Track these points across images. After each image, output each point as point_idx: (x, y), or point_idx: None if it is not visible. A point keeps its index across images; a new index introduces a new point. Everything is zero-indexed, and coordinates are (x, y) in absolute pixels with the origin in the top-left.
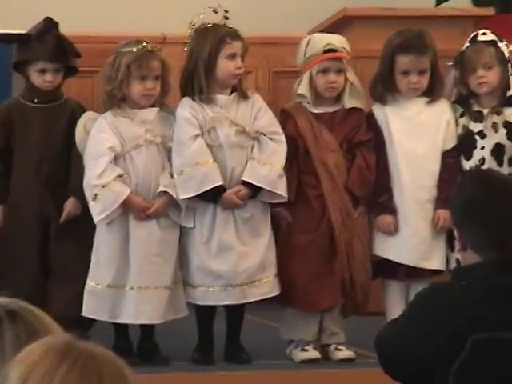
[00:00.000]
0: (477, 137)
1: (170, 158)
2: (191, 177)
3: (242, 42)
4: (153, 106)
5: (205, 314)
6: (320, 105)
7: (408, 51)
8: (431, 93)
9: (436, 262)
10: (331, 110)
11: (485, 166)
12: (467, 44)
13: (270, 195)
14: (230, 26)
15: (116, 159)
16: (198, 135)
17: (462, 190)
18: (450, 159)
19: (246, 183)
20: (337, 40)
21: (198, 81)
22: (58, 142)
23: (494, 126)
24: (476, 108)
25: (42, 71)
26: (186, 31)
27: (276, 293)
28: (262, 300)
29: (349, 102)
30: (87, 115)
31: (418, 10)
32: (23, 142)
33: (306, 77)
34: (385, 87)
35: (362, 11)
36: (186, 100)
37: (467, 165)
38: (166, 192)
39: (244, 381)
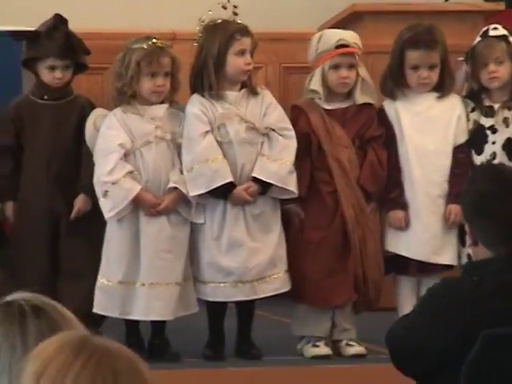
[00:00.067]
0: (488, 131)
1: (179, 155)
2: (201, 174)
3: (251, 38)
4: (162, 102)
5: (215, 311)
6: (332, 101)
7: (418, 46)
8: (442, 88)
9: (447, 257)
10: (343, 105)
11: (496, 161)
12: (478, 39)
13: (281, 191)
14: (240, 21)
15: (126, 156)
16: (207, 132)
17: (473, 185)
18: (462, 154)
19: (256, 179)
20: (349, 35)
21: (207, 77)
22: (67, 139)
23: (505, 121)
24: (487, 103)
25: (52, 68)
26: (196, 27)
27: (286, 289)
28: (273, 296)
29: (360, 98)
30: (97, 112)
31: (428, 5)
32: (33, 139)
33: (317, 72)
34: (395, 82)
35: (372, 6)
36: (196, 97)
37: (478, 160)
38: (176, 188)
39: (255, 377)
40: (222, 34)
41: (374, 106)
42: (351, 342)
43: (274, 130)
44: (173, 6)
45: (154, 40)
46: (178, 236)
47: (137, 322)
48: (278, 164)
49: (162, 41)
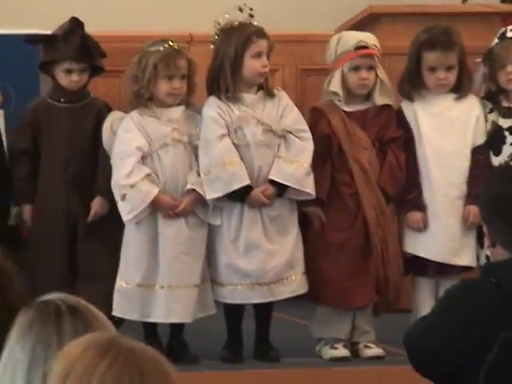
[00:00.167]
0: (506, 133)
1: (196, 157)
2: (218, 177)
3: (267, 41)
4: (179, 104)
5: (233, 312)
6: (351, 103)
7: (434, 47)
8: (459, 89)
9: (466, 258)
10: (363, 107)
11: None
12: (496, 40)
13: (298, 193)
14: (256, 24)
15: (143, 159)
16: (224, 135)
17: (490, 186)
18: (480, 155)
19: (272, 182)
20: (367, 37)
21: (224, 80)
22: (84, 142)
23: None
24: (505, 104)
25: (68, 71)
26: (213, 30)
27: (304, 290)
28: (291, 297)
29: (379, 100)
30: (113, 115)
31: (445, 7)
32: (50, 141)
33: (337, 74)
34: (412, 84)
35: (389, 8)
36: (213, 99)
37: (496, 161)
38: (193, 190)
39: (273, 379)
40: (238, 37)
41: (392, 107)
42: (369, 344)
43: (290, 132)
44: (189, 8)
45: (171, 42)
46: (195, 238)
47: (155, 324)
48: (295, 166)
49: (179, 43)
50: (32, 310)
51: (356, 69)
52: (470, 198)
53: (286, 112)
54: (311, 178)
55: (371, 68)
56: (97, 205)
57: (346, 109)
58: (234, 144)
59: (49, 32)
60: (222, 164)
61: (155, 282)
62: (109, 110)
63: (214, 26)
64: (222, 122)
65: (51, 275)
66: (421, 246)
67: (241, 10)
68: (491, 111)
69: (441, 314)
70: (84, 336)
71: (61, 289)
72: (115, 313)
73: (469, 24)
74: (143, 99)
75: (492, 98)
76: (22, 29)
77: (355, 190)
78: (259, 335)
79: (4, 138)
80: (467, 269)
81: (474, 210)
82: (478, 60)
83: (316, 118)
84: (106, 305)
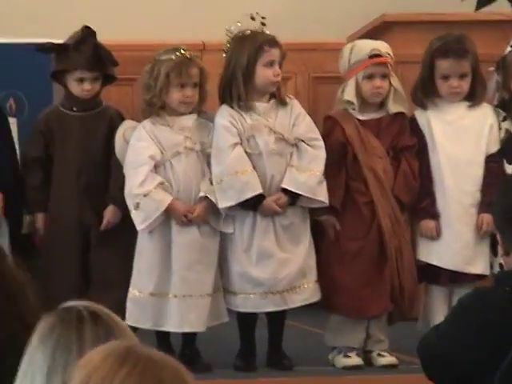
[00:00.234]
0: None
1: (209, 164)
2: (231, 186)
3: (279, 49)
4: (190, 112)
5: (246, 321)
6: (365, 111)
7: (447, 55)
8: (473, 97)
9: (480, 266)
10: (376, 116)
11: None
12: (509, 48)
13: (310, 201)
14: (268, 32)
15: (156, 167)
16: (236, 143)
17: (504, 195)
18: (494, 163)
19: (285, 190)
20: (381, 45)
21: (236, 88)
22: (97, 150)
23: None
24: None
25: (80, 80)
26: (225, 38)
27: (316, 299)
28: (303, 306)
29: (393, 108)
30: (126, 124)
31: (457, 15)
32: (62, 150)
33: (351, 83)
34: (425, 92)
35: (402, 17)
36: (225, 108)
37: (510, 169)
38: (206, 197)
39: None
40: (250, 46)
41: (406, 115)
42: (382, 352)
43: (302, 140)
44: (202, 16)
45: (183, 51)
46: (208, 247)
47: (168, 332)
48: (308, 175)
49: (190, 51)
50: (54, 315)
51: (370, 77)
52: (484, 206)
53: (298, 120)
54: (324, 186)
55: (385, 76)
56: (109, 213)
57: (360, 117)
58: (246, 153)
59: (61, 41)
60: (234, 173)
61: (168, 290)
62: (121, 118)
63: (226, 35)
64: (235, 130)
65: (64, 284)
66: (434, 254)
67: (253, 18)
68: (505, 119)
69: (454, 322)
70: (104, 344)
71: (74, 297)
72: (128, 322)
73: (482, 32)
74: (155, 108)
75: (505, 106)
76: (35, 38)
77: (370, 199)
78: (272, 343)
79: (17, 147)
80: (481, 277)
81: (487, 218)
82: (491, 69)
83: (330, 127)
84: (119, 313)
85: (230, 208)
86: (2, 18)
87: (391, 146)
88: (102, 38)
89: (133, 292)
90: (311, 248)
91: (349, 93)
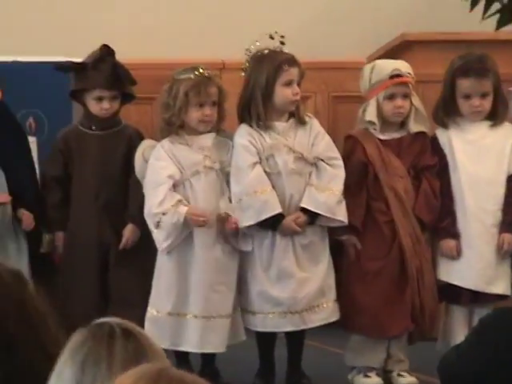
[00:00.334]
0: None
1: (228, 183)
2: (250, 205)
3: (298, 68)
4: (209, 131)
5: (265, 340)
6: (386, 131)
7: (468, 74)
8: (494, 116)
9: (501, 286)
10: (397, 135)
11: None
12: None
13: (329, 220)
14: (287, 51)
15: (175, 186)
16: (256, 163)
17: None
18: None
19: (304, 210)
20: (401, 65)
21: (255, 108)
22: (115, 169)
23: None
24: None
25: (99, 99)
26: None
27: (335, 318)
28: (323, 325)
29: (414, 127)
30: (145, 143)
31: (477, 34)
32: (81, 169)
33: (372, 103)
34: (447, 111)
35: (422, 36)
36: (244, 127)
37: None
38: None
39: None
40: (269, 65)
41: (427, 134)
42: (402, 373)
43: (322, 159)
44: (222, 35)
45: (201, 70)
46: (229, 266)
47: (187, 352)
48: (327, 194)
49: (209, 70)
50: (86, 330)
51: (391, 97)
52: (505, 225)
53: (317, 140)
54: (343, 205)
55: (406, 96)
56: (128, 232)
57: (381, 137)
58: (265, 172)
59: (79, 60)
60: (253, 192)
61: (187, 310)
62: (140, 137)
63: (245, 54)
64: (254, 150)
65: (83, 302)
66: (455, 273)
67: (272, 37)
68: None
69: (474, 342)
70: (135, 368)
71: (92, 316)
72: None
73: (502, 51)
74: (174, 127)
75: None
76: (54, 56)
77: (391, 218)
78: (291, 363)
79: (37, 166)
80: (502, 297)
81: (508, 237)
82: (511, 88)
83: (351, 146)
84: None
85: (249, 227)
86: (21, 37)
87: (412, 166)
88: (121, 56)
89: (151, 311)
90: (330, 267)
91: (370, 113)
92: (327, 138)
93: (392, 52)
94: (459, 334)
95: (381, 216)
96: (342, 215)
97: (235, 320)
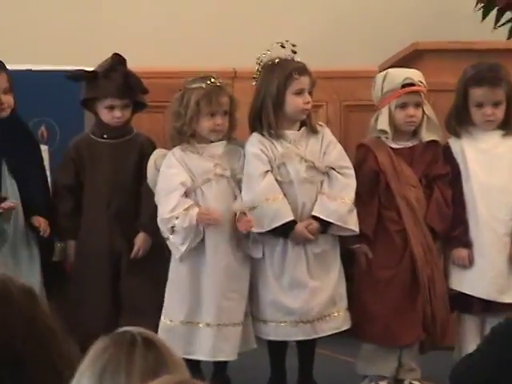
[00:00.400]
0: None
1: (240, 190)
2: (261, 213)
3: (309, 77)
4: (220, 140)
5: (277, 349)
6: (398, 139)
7: (481, 83)
8: (507, 125)
9: None
10: (409, 144)
11: None
12: None
13: (341, 229)
14: (298, 60)
15: (187, 194)
16: (267, 171)
17: None
18: None
19: (315, 218)
20: (414, 74)
21: (266, 117)
22: (127, 177)
23: None
24: None
25: (111, 107)
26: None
27: (346, 327)
28: (334, 334)
29: (426, 136)
30: (157, 153)
31: (489, 43)
32: (93, 177)
33: (384, 112)
34: (459, 120)
35: (434, 45)
36: (255, 136)
37: None
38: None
39: None
40: (280, 74)
41: (439, 143)
42: (414, 382)
43: (333, 168)
44: (234, 44)
45: (213, 79)
46: (241, 273)
47: (198, 360)
48: (338, 203)
49: (220, 79)
50: (108, 338)
51: (403, 106)
52: None
53: (329, 149)
54: (354, 214)
55: (418, 105)
56: (140, 241)
57: (393, 146)
58: (277, 181)
59: (91, 69)
60: (265, 200)
61: (200, 319)
62: (152, 145)
63: (256, 63)
64: (265, 158)
65: (95, 311)
66: (467, 282)
67: (283, 46)
68: None
69: (485, 351)
70: (156, 380)
71: (104, 325)
72: None
73: None
74: (186, 136)
75: None
76: (66, 65)
77: (402, 227)
78: (302, 372)
79: (48, 174)
80: None
81: None
82: None
83: (363, 155)
84: None
85: (261, 234)
86: (33, 46)
87: (424, 175)
88: (133, 65)
89: (164, 321)
90: (341, 276)
91: (382, 122)
92: (339, 147)
93: (404, 61)
94: (471, 343)
95: (392, 225)
96: (353, 224)
97: (246, 327)
